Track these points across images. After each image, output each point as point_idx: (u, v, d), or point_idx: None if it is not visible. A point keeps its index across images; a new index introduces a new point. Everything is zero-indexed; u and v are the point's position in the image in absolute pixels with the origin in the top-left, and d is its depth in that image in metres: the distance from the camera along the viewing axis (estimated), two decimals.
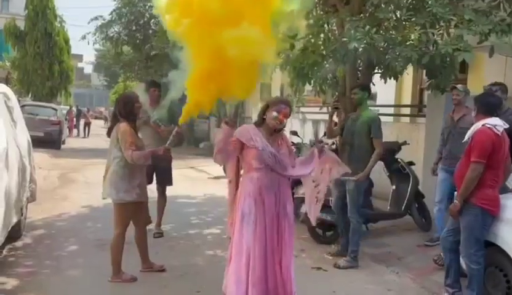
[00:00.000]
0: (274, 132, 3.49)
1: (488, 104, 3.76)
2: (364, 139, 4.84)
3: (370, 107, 5.29)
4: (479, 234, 3.64)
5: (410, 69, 7.08)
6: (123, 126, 4.20)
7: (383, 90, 10.06)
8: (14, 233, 4.92)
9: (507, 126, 3.69)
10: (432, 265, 4.81)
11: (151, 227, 5.09)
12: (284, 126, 3.52)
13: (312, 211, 3.64)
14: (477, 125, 3.70)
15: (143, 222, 4.45)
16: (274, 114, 3.39)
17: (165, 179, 5.77)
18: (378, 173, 6.90)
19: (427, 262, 4.95)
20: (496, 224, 3.66)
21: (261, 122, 3.49)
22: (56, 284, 4.11)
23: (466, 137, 3.77)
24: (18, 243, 5.13)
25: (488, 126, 3.61)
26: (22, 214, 5.11)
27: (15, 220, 4.59)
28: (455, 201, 3.79)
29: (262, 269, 3.33)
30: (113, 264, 4.26)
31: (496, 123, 3.63)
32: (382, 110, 10.11)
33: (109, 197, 4.24)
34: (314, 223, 4.16)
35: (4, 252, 4.76)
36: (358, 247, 4.92)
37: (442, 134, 5.55)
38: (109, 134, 4.37)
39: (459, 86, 5.30)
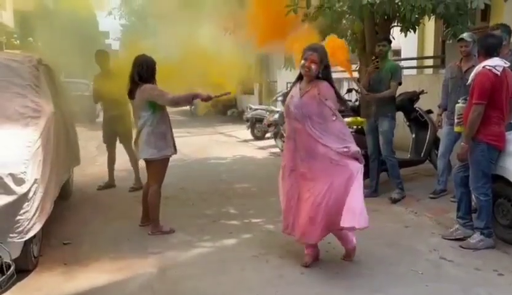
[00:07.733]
0: (315, 79, 3.49)
1: (488, 44, 3.83)
2: (388, 86, 5.44)
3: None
4: (486, 168, 3.88)
5: (431, 20, 7.12)
6: (149, 86, 4.34)
7: (406, 44, 10.10)
8: (64, 193, 5.43)
9: (508, 64, 3.78)
10: (449, 206, 5.06)
11: None
12: (314, 73, 3.46)
13: None
14: (478, 67, 3.82)
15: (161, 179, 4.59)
16: (302, 61, 3.49)
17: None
18: (401, 126, 7.12)
19: (445, 204, 5.22)
20: (504, 158, 3.89)
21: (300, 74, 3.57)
22: (106, 232, 4.62)
23: (469, 81, 3.91)
24: (69, 201, 5.71)
25: (488, 67, 3.72)
26: (69, 175, 5.63)
27: (65, 178, 5.09)
28: (461, 143, 3.99)
29: (289, 201, 3.60)
30: (152, 218, 4.54)
31: (496, 63, 3.73)
32: (405, 63, 10.18)
33: (150, 157, 4.41)
34: None
35: (59, 208, 5.32)
36: (401, 178, 5.63)
37: (444, 85, 5.32)
38: (130, 95, 4.46)
39: (465, 35, 4.97)
